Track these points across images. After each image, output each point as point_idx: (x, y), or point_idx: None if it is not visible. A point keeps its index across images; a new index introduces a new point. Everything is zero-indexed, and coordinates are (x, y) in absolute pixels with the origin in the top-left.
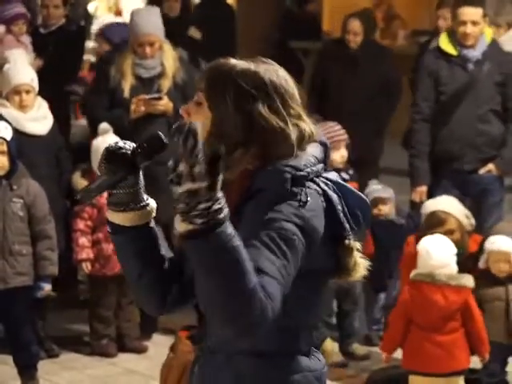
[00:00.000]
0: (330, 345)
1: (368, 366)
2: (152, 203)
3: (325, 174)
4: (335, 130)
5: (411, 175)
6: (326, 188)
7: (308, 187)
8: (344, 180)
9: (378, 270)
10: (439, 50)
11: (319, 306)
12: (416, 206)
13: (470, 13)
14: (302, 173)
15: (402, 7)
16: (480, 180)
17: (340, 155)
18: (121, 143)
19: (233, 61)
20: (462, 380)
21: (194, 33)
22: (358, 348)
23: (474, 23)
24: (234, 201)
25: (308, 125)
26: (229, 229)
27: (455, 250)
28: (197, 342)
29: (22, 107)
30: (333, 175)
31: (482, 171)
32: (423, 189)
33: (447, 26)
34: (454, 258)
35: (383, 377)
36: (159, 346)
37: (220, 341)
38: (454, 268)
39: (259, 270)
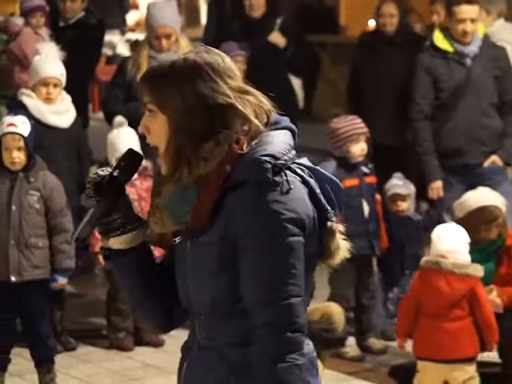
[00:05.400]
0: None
1: (385, 360)
2: (144, 219)
3: (297, 160)
4: (355, 123)
5: (423, 173)
6: (302, 174)
7: (287, 175)
8: (364, 174)
9: (391, 264)
10: (434, 47)
11: (307, 292)
12: (434, 203)
13: (469, 10)
14: (281, 161)
15: (418, 1)
16: (485, 173)
17: (360, 148)
18: (100, 172)
19: (163, 60)
20: (471, 368)
21: (277, 38)
22: (375, 342)
23: (473, 20)
24: (213, 194)
25: (257, 98)
26: None
27: (468, 240)
28: None
29: (47, 100)
30: (305, 160)
31: (486, 164)
32: (438, 184)
33: (441, 21)
34: (466, 247)
35: (404, 369)
36: (176, 339)
37: (210, 337)
38: (465, 257)
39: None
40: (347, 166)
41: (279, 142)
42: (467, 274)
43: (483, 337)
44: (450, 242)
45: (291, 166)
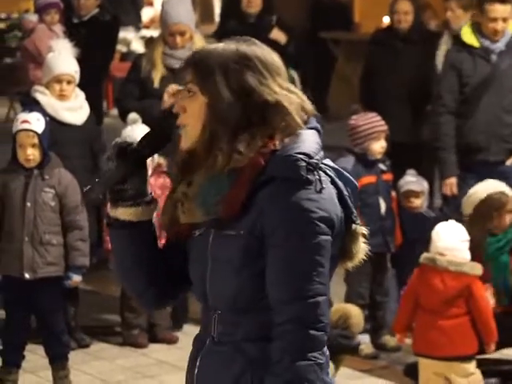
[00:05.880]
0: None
1: (399, 358)
2: (155, 198)
3: (324, 161)
4: (376, 121)
5: (439, 168)
6: (331, 174)
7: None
8: (381, 171)
9: (404, 261)
10: (461, 42)
11: (329, 291)
12: (448, 199)
13: (501, 10)
14: (314, 160)
15: None
16: (506, 171)
17: (380, 146)
18: (129, 139)
19: (213, 45)
20: (469, 365)
21: (278, 35)
22: (389, 340)
23: (504, 20)
24: (246, 186)
25: (300, 98)
26: None
27: (467, 237)
28: None
29: (61, 96)
30: (329, 161)
31: (508, 162)
32: (452, 181)
33: (455, 17)
34: (465, 245)
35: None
36: (190, 336)
37: (227, 331)
38: (463, 255)
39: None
40: (366, 162)
41: (311, 141)
42: (462, 272)
43: (481, 337)
44: (448, 240)
45: (321, 166)
